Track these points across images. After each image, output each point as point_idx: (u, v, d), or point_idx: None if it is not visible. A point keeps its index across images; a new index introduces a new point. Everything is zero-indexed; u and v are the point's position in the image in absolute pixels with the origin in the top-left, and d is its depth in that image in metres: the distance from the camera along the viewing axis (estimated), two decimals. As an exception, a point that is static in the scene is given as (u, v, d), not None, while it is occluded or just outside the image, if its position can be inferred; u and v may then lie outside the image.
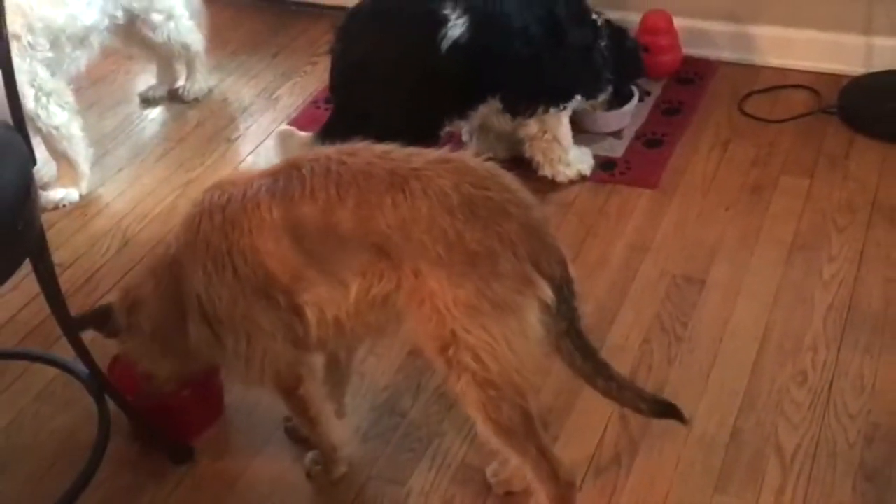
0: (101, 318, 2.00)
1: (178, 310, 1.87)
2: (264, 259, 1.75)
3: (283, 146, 2.66)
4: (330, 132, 2.55)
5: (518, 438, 1.76)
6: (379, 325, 1.82)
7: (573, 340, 1.76)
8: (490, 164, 1.78)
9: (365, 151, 1.76)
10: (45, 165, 2.94)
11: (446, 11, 2.49)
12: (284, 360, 1.87)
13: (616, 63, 2.83)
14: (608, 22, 2.82)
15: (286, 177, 1.75)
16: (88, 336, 2.00)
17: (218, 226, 1.77)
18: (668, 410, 1.88)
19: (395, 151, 1.76)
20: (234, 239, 1.76)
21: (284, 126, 2.81)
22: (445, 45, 2.49)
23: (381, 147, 1.77)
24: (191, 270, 1.81)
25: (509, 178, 1.76)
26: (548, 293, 1.69)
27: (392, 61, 2.52)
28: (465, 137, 2.91)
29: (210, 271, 1.79)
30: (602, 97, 2.90)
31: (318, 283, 1.76)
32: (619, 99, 2.95)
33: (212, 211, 1.79)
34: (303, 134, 2.66)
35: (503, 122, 2.75)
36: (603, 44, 2.77)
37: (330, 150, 1.79)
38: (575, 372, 1.81)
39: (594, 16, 2.76)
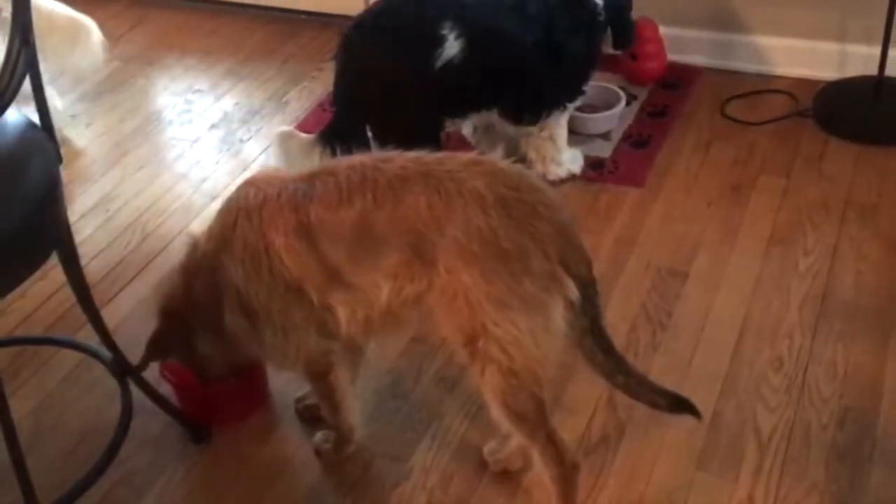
0: (159, 350, 1.98)
1: (216, 300, 1.85)
2: (300, 260, 1.74)
3: (284, 146, 2.63)
4: (331, 135, 2.55)
5: (530, 424, 1.77)
6: (407, 321, 1.82)
7: (595, 338, 1.76)
8: (518, 166, 1.76)
9: (398, 157, 1.74)
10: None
11: (444, 32, 2.44)
12: (317, 351, 1.88)
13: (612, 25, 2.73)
14: None
15: (323, 182, 1.73)
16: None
17: (256, 226, 1.76)
18: (683, 406, 1.88)
19: (426, 156, 1.74)
20: (271, 239, 1.75)
21: (285, 127, 2.77)
22: (440, 63, 2.43)
23: (412, 153, 1.75)
24: (228, 264, 1.80)
25: (537, 180, 1.75)
26: (574, 292, 1.69)
27: (389, 75, 2.48)
28: (465, 131, 2.89)
29: (249, 268, 1.78)
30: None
31: (352, 286, 1.75)
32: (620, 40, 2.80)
33: (249, 210, 1.77)
34: (303, 135, 2.63)
35: (505, 126, 2.73)
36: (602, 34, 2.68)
37: (364, 157, 1.77)
38: (595, 368, 1.80)
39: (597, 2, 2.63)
